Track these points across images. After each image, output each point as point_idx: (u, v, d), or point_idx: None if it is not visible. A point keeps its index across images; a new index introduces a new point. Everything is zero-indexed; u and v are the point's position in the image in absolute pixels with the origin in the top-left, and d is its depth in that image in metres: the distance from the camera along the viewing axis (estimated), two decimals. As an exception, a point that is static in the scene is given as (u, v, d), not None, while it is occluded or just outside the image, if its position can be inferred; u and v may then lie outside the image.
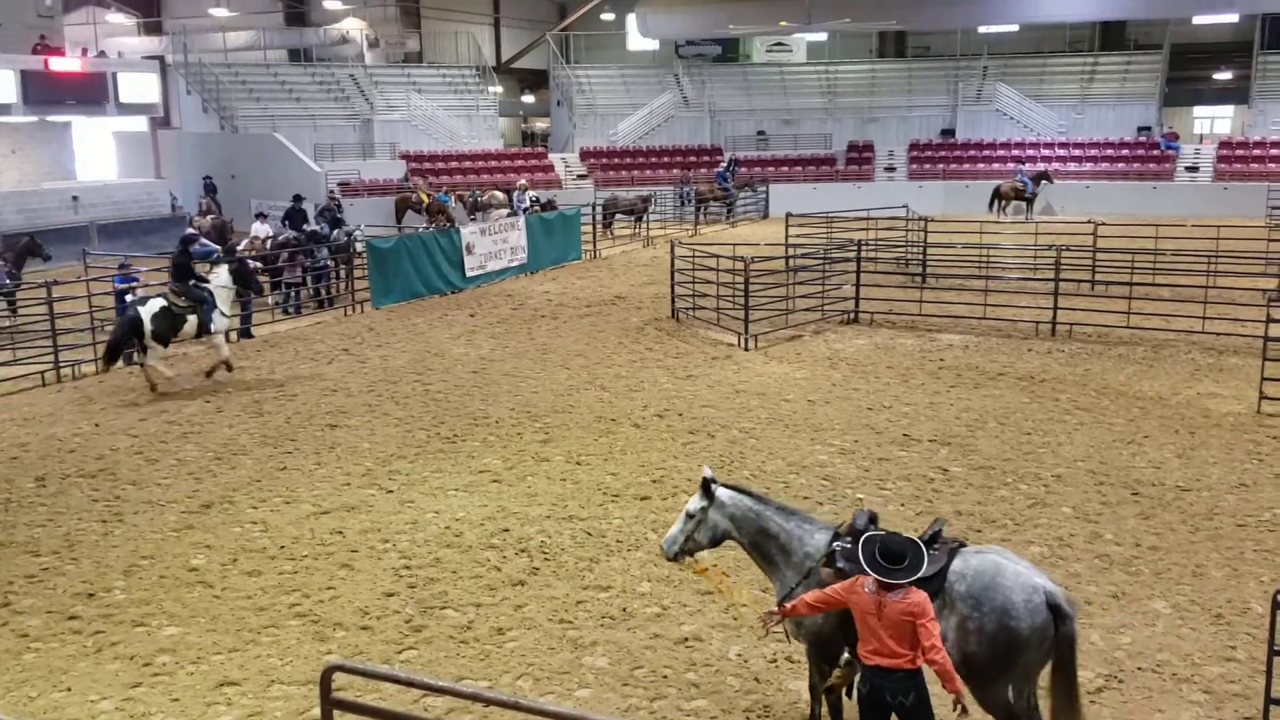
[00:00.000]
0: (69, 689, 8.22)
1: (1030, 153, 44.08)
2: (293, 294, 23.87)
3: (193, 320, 17.11)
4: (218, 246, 24.25)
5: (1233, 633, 8.83)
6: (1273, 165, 40.45)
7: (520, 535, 11.06)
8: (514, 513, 11.69)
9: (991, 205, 38.31)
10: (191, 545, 10.94)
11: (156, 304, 16.87)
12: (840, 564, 6.80)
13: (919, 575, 6.18)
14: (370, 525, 11.41)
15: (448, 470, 13.16)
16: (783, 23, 46.10)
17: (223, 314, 17.64)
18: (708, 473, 7.41)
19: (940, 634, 6.15)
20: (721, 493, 7.36)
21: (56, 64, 34.10)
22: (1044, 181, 38.63)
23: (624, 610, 9.42)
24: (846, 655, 6.89)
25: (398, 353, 19.71)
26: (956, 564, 6.61)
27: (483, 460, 13.52)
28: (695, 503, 7.40)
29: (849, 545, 6.72)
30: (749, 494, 7.46)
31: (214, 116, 42.95)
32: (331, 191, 35.64)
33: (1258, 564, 10.12)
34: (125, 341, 16.93)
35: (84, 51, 38.78)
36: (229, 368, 17.73)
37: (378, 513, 11.77)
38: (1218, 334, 18.93)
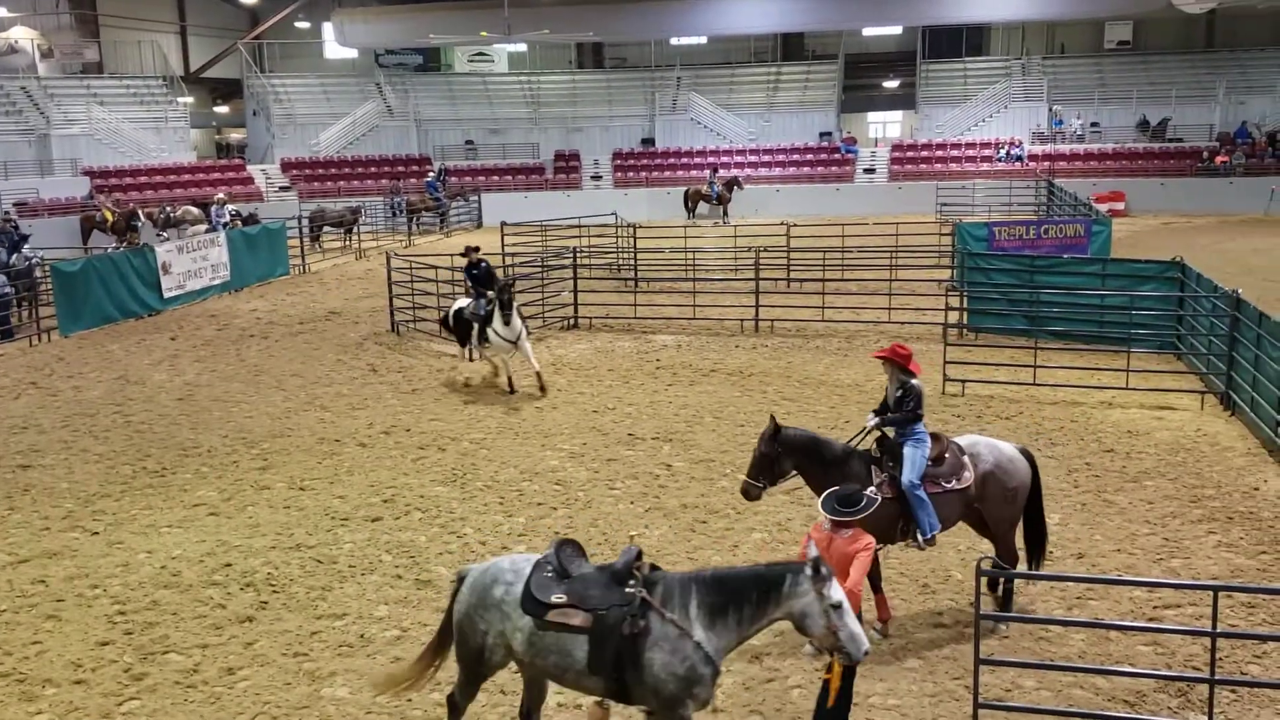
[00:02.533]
0: None
1: (725, 159, 46.24)
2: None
3: None
4: None
5: (937, 601, 9.69)
6: (939, 165, 44.27)
7: (244, 569, 10.65)
8: (236, 545, 11.24)
9: (686, 207, 40.05)
10: None
11: None
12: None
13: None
14: (76, 571, 10.68)
15: (159, 506, 12.49)
16: (483, 33, 46.23)
17: None
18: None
19: None
20: None
21: None
22: (735, 187, 40.58)
23: (361, 636, 9.27)
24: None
25: (93, 383, 18.45)
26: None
27: (196, 493, 12.91)
28: None
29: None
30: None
31: None
32: (6, 213, 32.78)
33: (956, 534, 11.11)
34: None
35: None
36: None
37: (83, 557, 11.03)
38: (903, 323, 20.60)
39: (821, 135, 47.70)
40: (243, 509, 12.32)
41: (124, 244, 30.49)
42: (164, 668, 8.81)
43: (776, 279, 24.08)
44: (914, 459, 8.84)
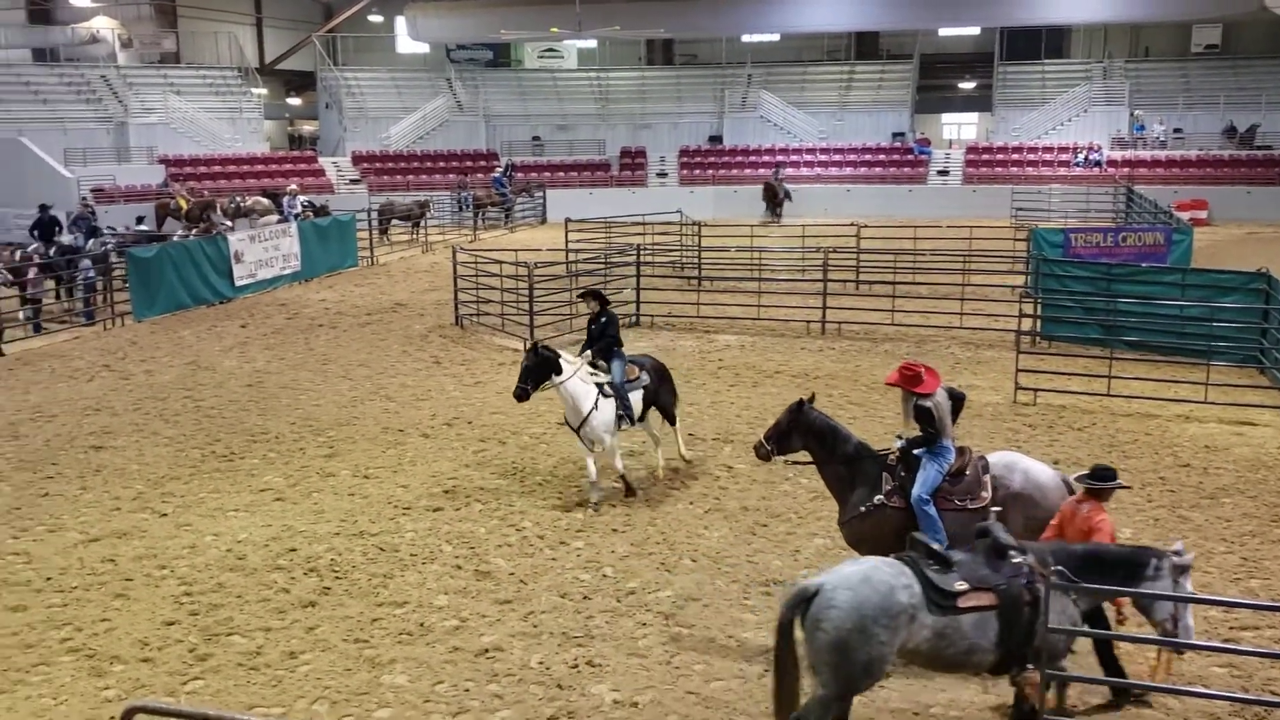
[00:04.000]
0: None
1: (795, 158, 45.97)
2: (38, 310, 22.25)
3: None
4: None
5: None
6: (1015, 169, 43.58)
7: (308, 554, 10.74)
8: (300, 531, 11.34)
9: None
10: (-56, 583, 10.12)
11: None
12: None
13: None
14: (145, 551, 10.84)
15: (226, 490, 12.64)
16: (554, 29, 46.38)
17: None
18: None
19: None
20: None
21: None
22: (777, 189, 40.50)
23: (421, 625, 9.29)
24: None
25: (165, 367, 18.75)
26: None
27: (264, 478, 13.05)
28: None
29: None
30: None
31: (-51, 119, 39.74)
32: (84, 199, 33.49)
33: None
34: None
35: None
36: None
37: (152, 538, 11.18)
38: (974, 329, 20.26)
39: (894, 136, 47.22)
40: (308, 495, 12.44)
41: (196, 232, 30.98)
42: (227, 649, 8.90)
43: (845, 281, 23.84)
44: (928, 473, 8.60)
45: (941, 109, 54.66)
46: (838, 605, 6.66)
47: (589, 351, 12.32)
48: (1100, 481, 7.98)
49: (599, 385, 11.89)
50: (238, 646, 8.94)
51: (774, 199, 40.32)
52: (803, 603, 6.79)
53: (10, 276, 21.50)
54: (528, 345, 11.69)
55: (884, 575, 6.81)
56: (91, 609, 9.58)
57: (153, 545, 10.99)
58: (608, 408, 11.88)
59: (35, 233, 27.11)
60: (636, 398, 12.30)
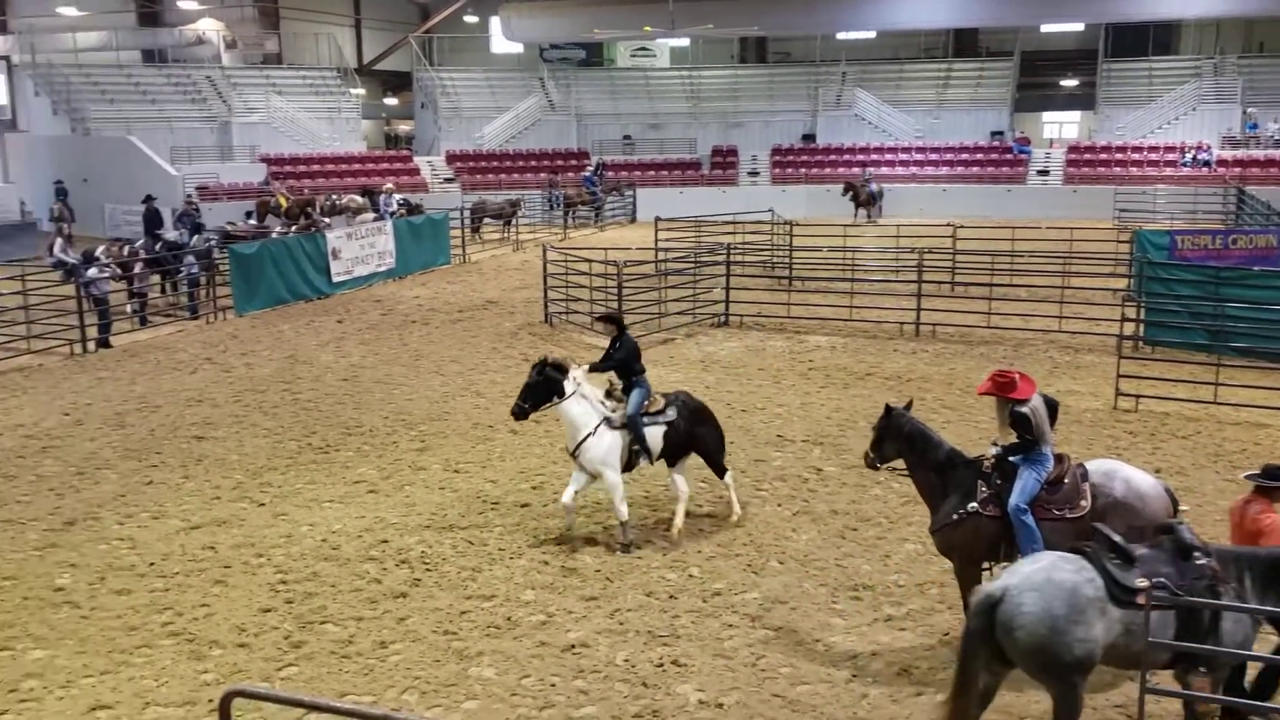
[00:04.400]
0: (-75, 723, 7.82)
1: (890, 157, 45.41)
2: (144, 304, 22.94)
3: None
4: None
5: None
6: (1119, 169, 42.47)
7: (400, 546, 10.91)
8: (392, 523, 11.52)
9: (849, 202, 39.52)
10: (56, 564, 10.49)
11: None
12: None
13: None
14: (243, 539, 11.11)
15: (322, 481, 12.90)
16: (647, 28, 46.43)
17: None
18: None
19: None
20: None
21: (-107, 64, 32.22)
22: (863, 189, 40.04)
23: (509, 619, 9.37)
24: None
25: (264, 361, 19.21)
26: None
27: (357, 470, 13.29)
28: None
29: None
30: None
31: (65, 119, 41.29)
32: (189, 196, 34.49)
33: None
34: None
35: (-78, 51, 36.75)
36: None
37: (250, 526, 11.46)
38: (1074, 333, 19.78)
39: (993, 134, 46.36)
40: (400, 488, 12.63)
41: (295, 229, 31.70)
42: (321, 637, 9.07)
43: (940, 282, 23.46)
44: (1026, 482, 8.36)
45: (1042, 107, 53.47)
46: (1027, 609, 6.66)
47: (599, 374, 11.25)
48: (1272, 480, 7.75)
49: (607, 417, 10.86)
50: (331, 635, 9.11)
51: (857, 198, 39.84)
52: (989, 609, 6.75)
53: (119, 271, 22.20)
54: (536, 360, 10.93)
55: (1066, 572, 6.77)
56: (192, 594, 9.85)
57: (251, 534, 11.26)
58: (610, 438, 10.79)
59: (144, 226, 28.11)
60: (655, 434, 11.00)
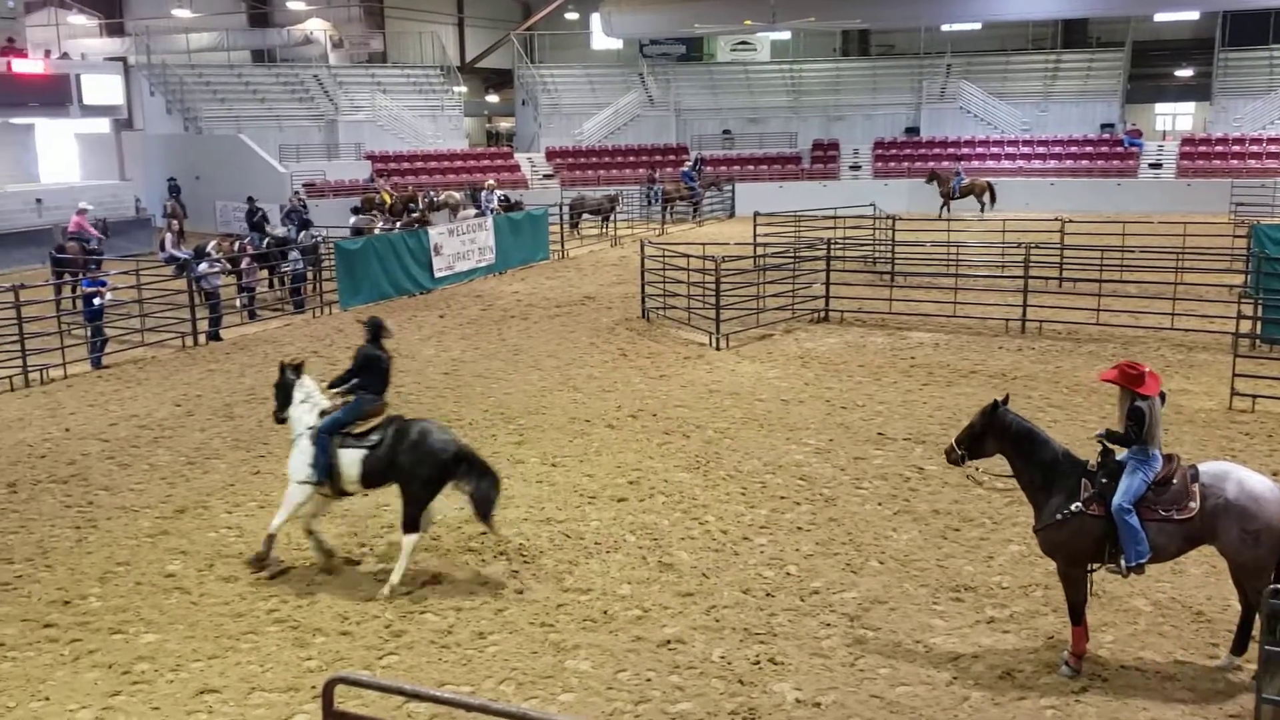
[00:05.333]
0: (47, 698, 8.10)
1: (995, 150, 44.50)
2: (253, 298, 23.55)
3: None
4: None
5: (1214, 630, 8.91)
6: (1235, 162, 40.98)
7: (498, 538, 10.98)
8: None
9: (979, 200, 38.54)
10: (167, 551, 10.81)
11: None
12: None
13: None
14: (346, 529, 11.31)
15: (422, 473, 13.05)
16: (747, 21, 46.21)
17: None
18: None
19: None
20: None
21: (19, 65, 33.62)
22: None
23: (605, 613, 9.38)
24: None
25: (368, 355, 19.52)
26: None
27: (457, 463, 13.42)
28: None
29: None
30: None
31: (178, 118, 42.55)
32: (297, 192, 35.34)
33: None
34: None
35: (47, 53, 38.22)
36: None
37: (353, 516, 11.66)
38: (1186, 330, 19.14)
39: (1103, 127, 45.09)
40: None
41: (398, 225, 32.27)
42: (421, 626, 9.19)
43: (1048, 278, 22.91)
44: (1132, 481, 8.08)
45: (1155, 98, 51.82)
46: None
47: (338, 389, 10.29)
48: None
49: (311, 426, 10.06)
50: (430, 624, 9.22)
51: (946, 191, 38.98)
52: None
53: (229, 266, 22.83)
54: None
55: None
56: (297, 583, 10.06)
57: (354, 524, 11.46)
58: (304, 447, 10.04)
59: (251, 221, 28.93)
60: (352, 456, 9.93)
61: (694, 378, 17.44)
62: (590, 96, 50.46)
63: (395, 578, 9.82)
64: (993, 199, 38.27)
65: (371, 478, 10.01)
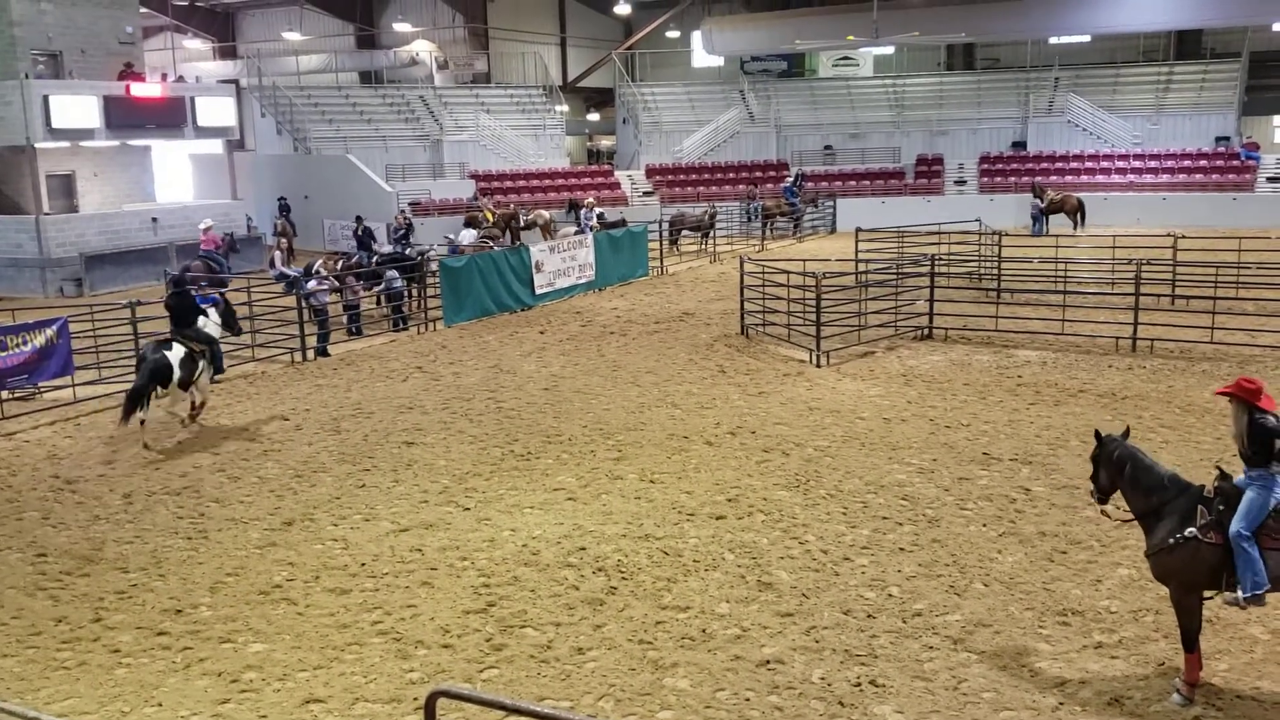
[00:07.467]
0: (159, 704, 8.35)
1: (1105, 164, 43.43)
2: (358, 314, 24.03)
3: (202, 364, 15.94)
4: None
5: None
6: (1359, 175, 39.35)
7: (597, 554, 11.04)
8: (590, 531, 11.68)
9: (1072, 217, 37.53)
10: (275, 562, 11.08)
11: (180, 349, 15.51)
12: None
13: None
14: (449, 543, 11.47)
15: (523, 488, 13.20)
16: (850, 38, 45.89)
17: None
18: None
19: None
20: None
21: (138, 89, 34.95)
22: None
23: (703, 631, 9.35)
24: None
25: (470, 370, 19.85)
26: None
27: (557, 478, 13.54)
28: None
29: None
30: None
31: (288, 138, 43.80)
32: (402, 211, 36.10)
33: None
34: (149, 389, 15.20)
35: (163, 77, 39.72)
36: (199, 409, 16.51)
37: (456, 530, 11.83)
38: (1307, 349, 18.41)
39: (1218, 140, 43.67)
40: (597, 496, 12.80)
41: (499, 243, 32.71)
42: (521, 640, 9.26)
43: (1160, 295, 22.25)
44: (1251, 506, 7.73)
45: (1273, 110, 49.88)
46: None
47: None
48: None
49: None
50: (530, 639, 9.29)
51: (1049, 206, 37.98)
52: None
53: (337, 283, 23.39)
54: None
55: None
56: (400, 595, 10.23)
57: (456, 538, 11.61)
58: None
59: (356, 242, 29.62)
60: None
61: (794, 395, 17.32)
62: (690, 114, 50.59)
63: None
64: (1083, 217, 37.25)
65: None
